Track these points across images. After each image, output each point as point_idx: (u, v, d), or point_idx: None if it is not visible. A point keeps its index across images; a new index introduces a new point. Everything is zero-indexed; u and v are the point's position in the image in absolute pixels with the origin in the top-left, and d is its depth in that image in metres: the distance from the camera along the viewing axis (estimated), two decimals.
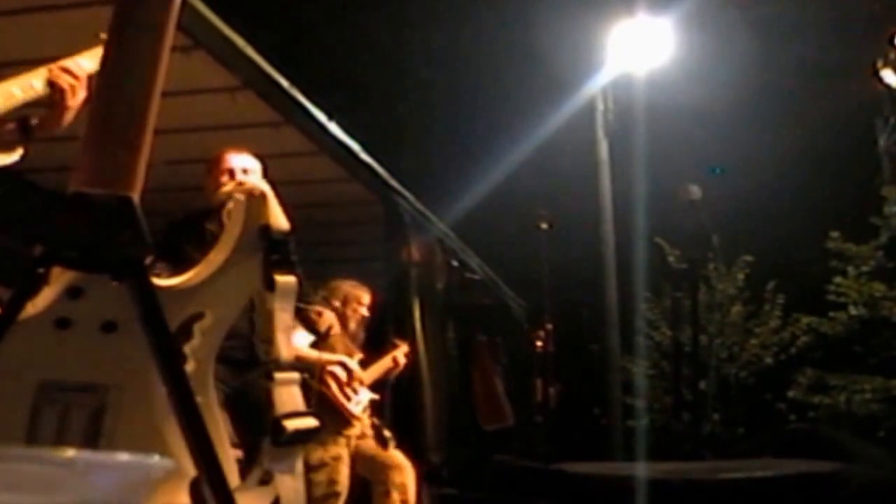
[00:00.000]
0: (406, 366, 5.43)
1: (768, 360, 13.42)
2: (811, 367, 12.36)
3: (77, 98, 2.15)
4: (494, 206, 12.08)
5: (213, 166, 3.77)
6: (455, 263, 7.78)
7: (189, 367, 1.55)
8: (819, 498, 2.37)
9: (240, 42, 4.47)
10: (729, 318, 13.29)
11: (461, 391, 8.12)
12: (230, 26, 4.35)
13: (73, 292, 1.46)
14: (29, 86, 2.16)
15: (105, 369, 1.51)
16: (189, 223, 3.52)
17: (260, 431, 1.66)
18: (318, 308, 3.77)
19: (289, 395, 1.63)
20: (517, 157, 11.60)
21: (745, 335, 13.56)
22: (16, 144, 2.18)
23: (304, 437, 1.61)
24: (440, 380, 7.29)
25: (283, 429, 1.57)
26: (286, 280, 1.64)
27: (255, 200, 1.67)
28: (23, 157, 2.21)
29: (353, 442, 4.76)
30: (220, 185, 3.68)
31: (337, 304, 4.94)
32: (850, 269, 11.85)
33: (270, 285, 1.62)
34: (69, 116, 2.17)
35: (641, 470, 2.74)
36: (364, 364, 4.98)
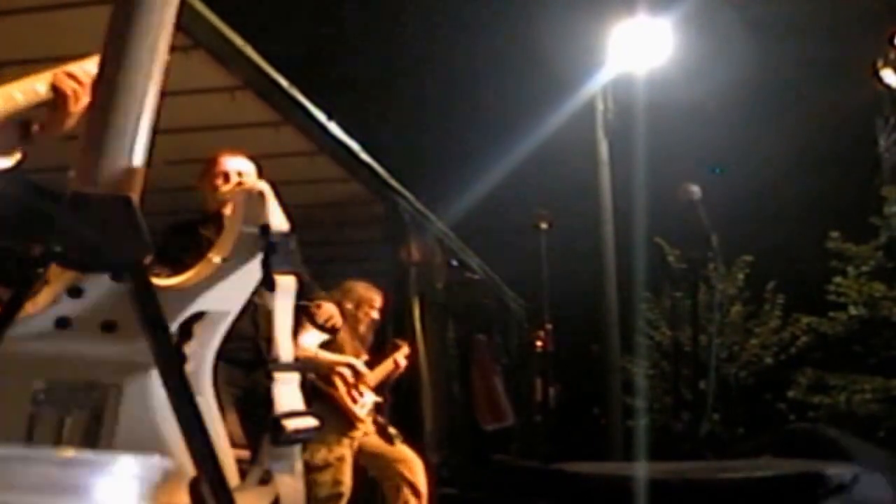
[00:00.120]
0: (406, 366, 5.43)
1: (768, 360, 13.43)
2: (811, 367, 12.37)
3: (80, 104, 2.14)
4: (494, 205, 12.08)
5: (208, 169, 3.75)
6: (455, 263, 7.78)
7: (189, 366, 1.55)
8: (819, 498, 2.37)
9: (239, 42, 4.47)
10: (729, 318, 13.29)
11: (461, 391, 8.13)
12: (231, 27, 4.35)
13: (73, 292, 1.46)
14: (32, 90, 2.15)
15: (105, 369, 1.51)
16: (185, 230, 3.50)
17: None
18: (318, 301, 3.77)
19: (288, 395, 1.62)
20: (517, 156, 11.60)
21: (745, 335, 13.57)
22: (15, 148, 2.18)
23: (303, 436, 1.61)
24: (440, 380, 7.30)
25: (282, 428, 1.57)
26: (286, 280, 1.64)
27: (254, 200, 1.67)
28: (21, 161, 2.21)
29: (357, 443, 4.76)
30: (215, 188, 3.67)
31: (350, 305, 4.94)
32: (850, 269, 11.85)
33: (270, 285, 1.62)
34: (71, 122, 2.16)
35: (641, 470, 2.75)
36: (367, 366, 4.98)
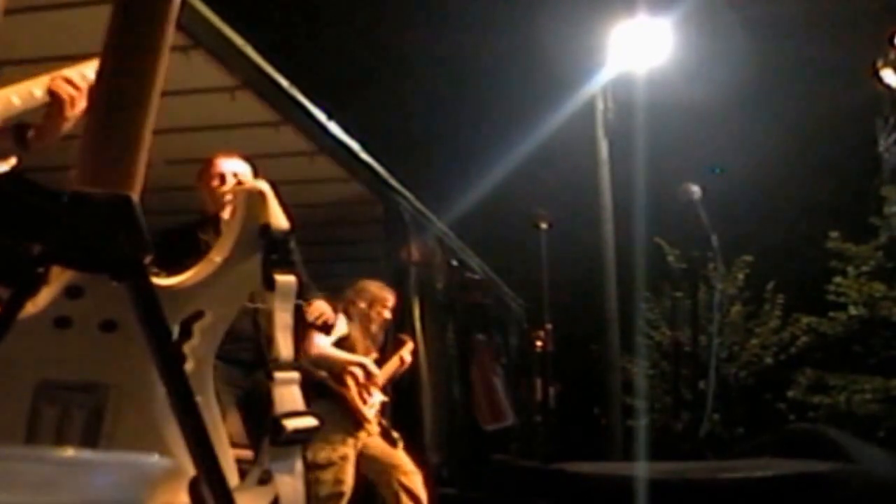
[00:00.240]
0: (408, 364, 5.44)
1: (768, 360, 13.44)
2: (811, 367, 12.38)
3: (77, 109, 2.14)
4: (494, 205, 12.09)
5: (204, 171, 3.75)
6: (455, 263, 7.78)
7: (188, 366, 1.55)
8: (819, 498, 2.37)
9: (239, 42, 4.47)
10: (729, 318, 13.30)
11: (461, 391, 8.13)
12: (231, 25, 4.35)
13: (72, 291, 1.46)
14: (29, 94, 2.15)
15: (105, 369, 1.51)
16: (182, 234, 3.50)
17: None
18: (309, 300, 3.78)
19: (289, 395, 1.62)
20: (517, 156, 11.61)
21: (745, 335, 13.58)
22: (11, 153, 2.17)
23: (303, 436, 1.61)
24: (440, 380, 7.30)
25: (282, 428, 1.57)
26: (286, 279, 1.64)
27: (254, 199, 1.67)
28: (17, 165, 2.21)
29: (361, 443, 4.76)
30: (211, 189, 3.67)
31: (363, 304, 4.95)
32: (850, 269, 11.86)
33: (270, 285, 1.62)
34: (67, 126, 2.15)
35: (641, 470, 2.75)
36: (376, 364, 4.98)
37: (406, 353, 5.31)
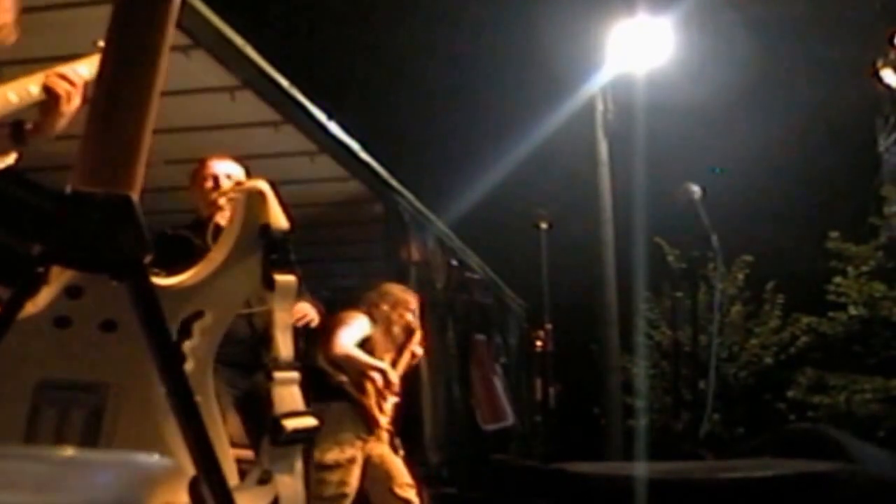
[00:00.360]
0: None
1: (768, 360, 13.44)
2: (811, 367, 12.37)
3: (72, 105, 2.15)
4: (494, 205, 12.09)
5: (197, 173, 3.73)
6: (455, 263, 7.78)
7: (188, 366, 1.55)
8: (819, 498, 2.37)
9: (239, 42, 4.47)
10: (729, 318, 13.30)
11: (461, 391, 8.12)
12: (231, 25, 4.35)
13: (72, 291, 1.46)
14: (25, 91, 2.16)
15: (104, 368, 1.51)
16: (173, 237, 3.49)
17: None
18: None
19: (288, 395, 1.62)
20: (517, 156, 11.61)
21: (745, 335, 13.58)
22: (9, 149, 2.18)
23: (303, 436, 1.61)
24: (440, 380, 7.30)
25: (282, 428, 1.57)
26: (286, 279, 1.64)
27: (254, 199, 1.67)
28: (16, 161, 2.21)
29: (369, 446, 4.75)
30: (204, 192, 3.66)
31: (386, 307, 4.93)
32: (850, 269, 11.85)
33: (270, 284, 1.62)
34: (63, 122, 2.16)
35: (641, 470, 2.74)
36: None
37: (416, 346, 5.28)
